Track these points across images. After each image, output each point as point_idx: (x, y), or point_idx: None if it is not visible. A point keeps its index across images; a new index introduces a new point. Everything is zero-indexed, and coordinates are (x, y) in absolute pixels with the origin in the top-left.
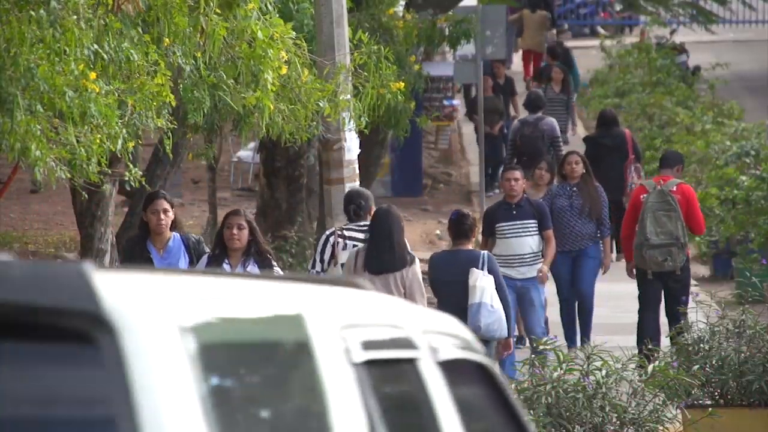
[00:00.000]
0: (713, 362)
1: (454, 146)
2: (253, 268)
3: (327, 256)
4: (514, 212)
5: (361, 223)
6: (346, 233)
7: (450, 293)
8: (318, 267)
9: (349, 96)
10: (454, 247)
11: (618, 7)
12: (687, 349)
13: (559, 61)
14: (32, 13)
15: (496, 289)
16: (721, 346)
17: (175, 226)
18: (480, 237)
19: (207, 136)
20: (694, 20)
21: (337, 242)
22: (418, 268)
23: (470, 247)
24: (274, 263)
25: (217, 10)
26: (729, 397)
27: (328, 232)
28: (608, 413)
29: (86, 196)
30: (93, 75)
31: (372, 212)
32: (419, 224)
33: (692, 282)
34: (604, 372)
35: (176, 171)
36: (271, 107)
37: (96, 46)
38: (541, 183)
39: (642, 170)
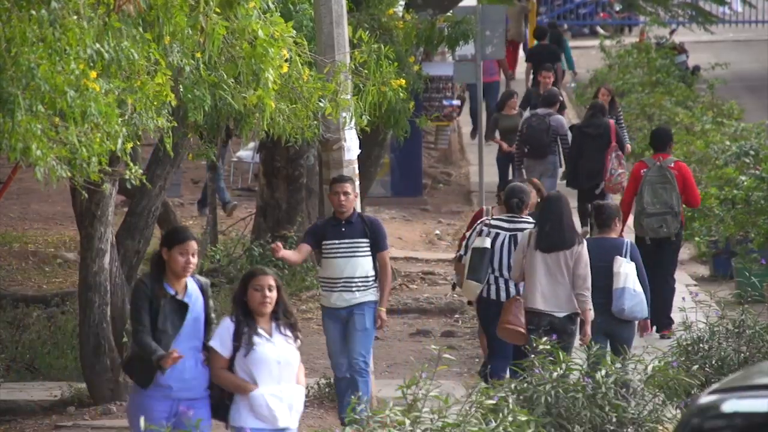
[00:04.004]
0: (713, 362)
1: (454, 146)
2: (286, 331)
3: (471, 242)
4: (343, 229)
5: (512, 215)
6: (493, 222)
7: (596, 276)
8: (462, 251)
9: (349, 95)
10: (600, 236)
11: (617, 7)
12: (687, 348)
13: (549, 43)
14: (33, 12)
15: (637, 274)
16: (720, 346)
17: None
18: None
19: (207, 135)
20: (694, 20)
21: (482, 230)
22: (585, 249)
23: (614, 235)
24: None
25: (217, 10)
26: None
27: (479, 221)
28: (608, 413)
29: (86, 195)
30: (93, 74)
31: (528, 208)
32: (419, 224)
33: (692, 282)
34: (603, 372)
35: (176, 171)
36: (273, 106)
37: (98, 45)
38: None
39: (624, 159)
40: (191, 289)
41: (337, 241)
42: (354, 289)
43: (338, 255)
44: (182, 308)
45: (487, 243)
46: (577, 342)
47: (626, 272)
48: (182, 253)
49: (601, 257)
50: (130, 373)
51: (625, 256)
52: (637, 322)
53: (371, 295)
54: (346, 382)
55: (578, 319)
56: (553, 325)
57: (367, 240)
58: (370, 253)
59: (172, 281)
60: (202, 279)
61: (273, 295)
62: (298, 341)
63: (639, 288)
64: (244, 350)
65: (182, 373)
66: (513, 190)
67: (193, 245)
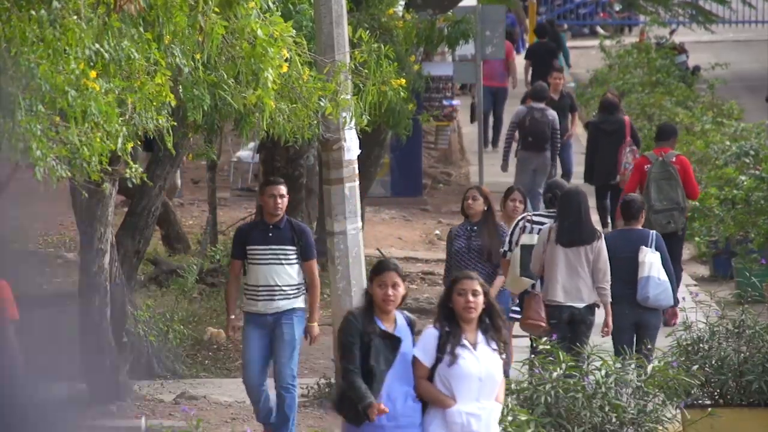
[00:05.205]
0: (713, 362)
1: (454, 146)
2: (492, 343)
3: (515, 238)
4: (270, 234)
5: (551, 210)
6: (535, 218)
7: (622, 267)
8: (506, 247)
9: (349, 95)
10: (626, 227)
11: (617, 7)
12: (687, 348)
13: (548, 39)
14: (33, 12)
15: (663, 263)
16: (720, 346)
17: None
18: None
19: (207, 135)
20: (694, 20)
21: (525, 226)
22: (603, 243)
23: (639, 227)
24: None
25: (216, 9)
26: (728, 396)
27: (519, 218)
28: (608, 413)
29: (86, 195)
30: (93, 74)
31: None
32: (419, 224)
33: (692, 282)
34: (603, 372)
35: (176, 171)
36: (272, 105)
37: (98, 45)
38: (514, 215)
39: (638, 154)
40: (401, 325)
41: (262, 247)
42: (278, 297)
43: (263, 262)
44: (394, 342)
45: (536, 239)
46: (598, 334)
47: (651, 261)
48: (381, 285)
49: (628, 248)
50: (342, 411)
51: (651, 246)
52: (663, 312)
53: (299, 302)
54: (257, 390)
55: (596, 309)
56: (573, 316)
57: (295, 247)
58: (297, 261)
59: (380, 316)
60: (410, 315)
61: (478, 300)
62: (504, 355)
63: (664, 277)
64: (446, 361)
65: (393, 409)
66: (549, 186)
67: (392, 276)
